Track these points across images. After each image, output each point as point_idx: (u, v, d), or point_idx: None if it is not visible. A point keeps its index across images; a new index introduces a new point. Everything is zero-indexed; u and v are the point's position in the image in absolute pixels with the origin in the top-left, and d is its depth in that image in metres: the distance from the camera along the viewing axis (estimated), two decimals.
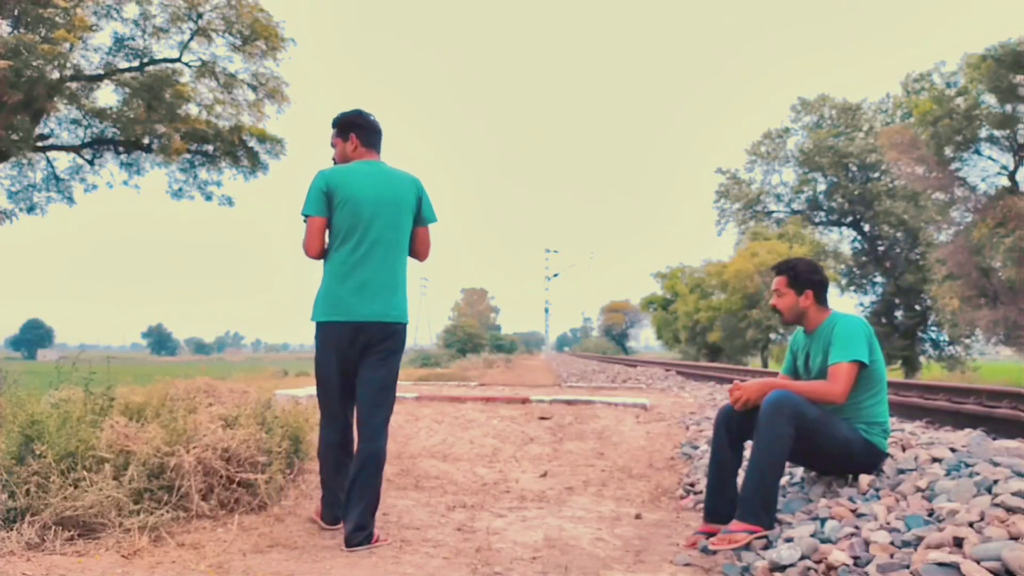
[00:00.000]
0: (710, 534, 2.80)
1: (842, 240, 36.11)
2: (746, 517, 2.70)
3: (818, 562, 2.33)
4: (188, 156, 14.38)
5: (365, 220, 2.91)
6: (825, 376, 2.95)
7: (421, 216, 3.07)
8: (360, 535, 2.78)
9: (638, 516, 3.40)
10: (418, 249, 3.12)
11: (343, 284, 2.92)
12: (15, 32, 11.73)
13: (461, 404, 6.27)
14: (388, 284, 2.95)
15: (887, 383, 3.06)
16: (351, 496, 2.84)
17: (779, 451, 2.74)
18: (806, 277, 3.08)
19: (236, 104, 14.17)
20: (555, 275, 59.47)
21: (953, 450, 3.06)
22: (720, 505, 2.92)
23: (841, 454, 2.92)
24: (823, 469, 3.13)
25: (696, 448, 4.57)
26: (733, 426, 2.98)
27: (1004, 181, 21.20)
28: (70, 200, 14.95)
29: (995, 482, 2.47)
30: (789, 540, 2.49)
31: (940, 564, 2.04)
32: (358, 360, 2.96)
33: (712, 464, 3.02)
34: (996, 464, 2.63)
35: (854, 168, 33.79)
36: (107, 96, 18.57)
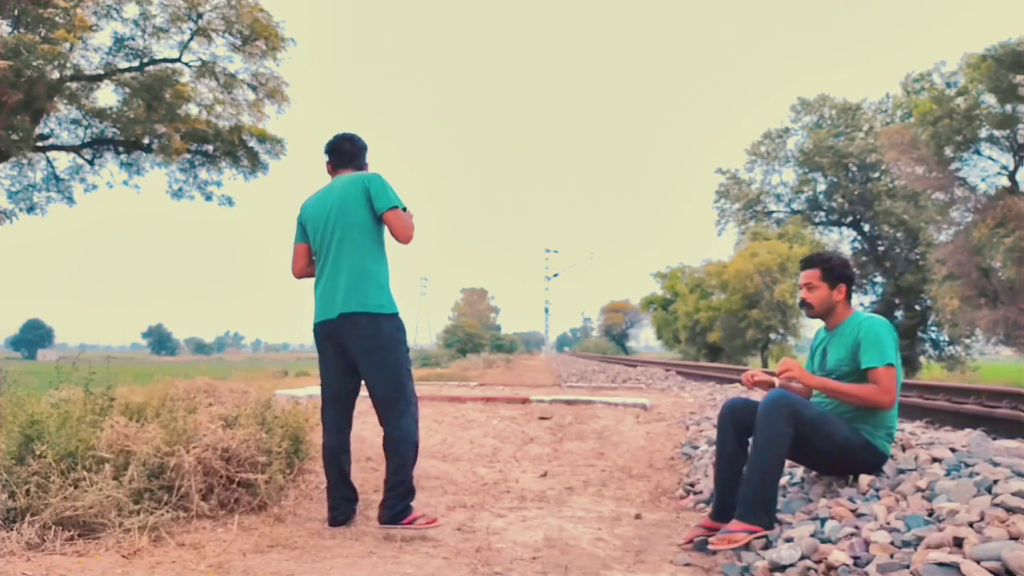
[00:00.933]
0: (711, 530, 2.80)
1: (842, 240, 36.10)
2: (746, 517, 2.69)
3: (818, 562, 2.33)
4: (188, 156, 14.36)
5: (320, 232, 3.12)
6: (840, 374, 2.97)
7: (375, 206, 3.08)
8: (387, 515, 2.94)
9: (638, 516, 3.40)
10: (393, 235, 3.13)
11: (316, 291, 3.16)
12: (15, 32, 11.72)
13: (461, 404, 6.27)
14: (347, 279, 3.03)
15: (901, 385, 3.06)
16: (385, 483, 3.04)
17: (777, 451, 2.74)
18: (840, 271, 3.08)
19: (236, 104, 14.15)
20: (555, 275, 59.46)
21: (953, 450, 3.05)
22: (729, 499, 2.86)
23: (840, 454, 2.91)
24: (823, 469, 3.13)
25: (696, 448, 4.57)
26: (738, 421, 2.95)
27: (1004, 181, 21.19)
28: (70, 200, 14.94)
29: (995, 482, 2.47)
30: (789, 540, 2.49)
31: (940, 564, 2.04)
32: (350, 363, 3.09)
33: (720, 458, 2.96)
34: (996, 464, 2.63)
35: (854, 168, 33.75)
36: (107, 96, 18.56)
